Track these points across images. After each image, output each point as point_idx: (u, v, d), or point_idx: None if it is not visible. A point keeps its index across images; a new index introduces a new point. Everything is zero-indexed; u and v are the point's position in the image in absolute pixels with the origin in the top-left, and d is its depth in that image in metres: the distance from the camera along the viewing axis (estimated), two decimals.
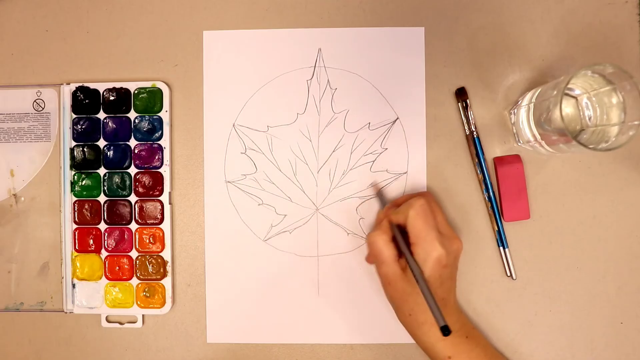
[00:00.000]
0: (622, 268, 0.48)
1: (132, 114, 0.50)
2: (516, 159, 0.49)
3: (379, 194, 0.48)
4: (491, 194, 0.48)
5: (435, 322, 0.38)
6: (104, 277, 0.50)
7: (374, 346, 0.49)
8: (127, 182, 0.50)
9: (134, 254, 0.50)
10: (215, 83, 0.50)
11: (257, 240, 0.50)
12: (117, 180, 0.50)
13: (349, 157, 0.50)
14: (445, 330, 0.37)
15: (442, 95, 0.49)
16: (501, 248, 0.49)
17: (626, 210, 0.48)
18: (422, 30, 0.49)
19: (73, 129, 0.50)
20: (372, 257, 0.44)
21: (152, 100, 0.50)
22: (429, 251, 0.41)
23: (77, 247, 0.50)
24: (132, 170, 0.50)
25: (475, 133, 0.49)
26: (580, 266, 0.49)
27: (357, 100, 0.50)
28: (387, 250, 0.43)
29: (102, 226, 0.50)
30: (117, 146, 0.50)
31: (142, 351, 0.50)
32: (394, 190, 0.49)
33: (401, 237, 0.43)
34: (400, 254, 0.43)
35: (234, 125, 0.50)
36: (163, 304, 0.50)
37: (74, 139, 0.50)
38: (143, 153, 0.50)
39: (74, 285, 0.50)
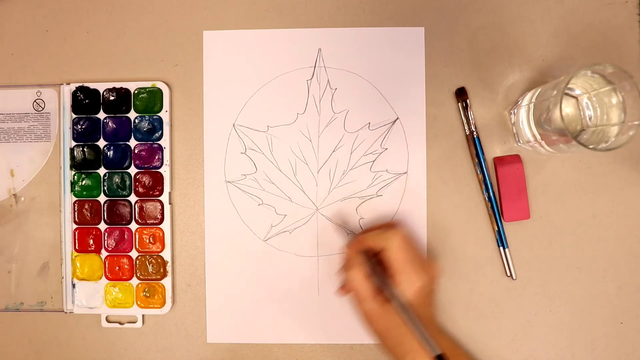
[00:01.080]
0: (622, 268, 0.48)
1: (132, 114, 0.50)
2: (516, 159, 0.49)
3: (342, 227, 0.48)
4: (491, 194, 0.48)
5: (424, 349, 0.38)
6: (104, 277, 0.50)
7: (374, 346, 0.49)
8: (127, 182, 0.50)
9: (134, 254, 0.50)
10: (215, 83, 0.50)
11: (257, 240, 0.50)
12: (117, 180, 0.50)
13: (349, 157, 0.50)
14: (441, 359, 0.37)
15: (442, 95, 0.49)
16: (501, 248, 0.49)
17: (626, 210, 0.48)
18: (422, 30, 0.49)
19: (73, 129, 0.50)
20: (351, 294, 0.44)
21: (152, 100, 0.50)
22: (413, 281, 0.41)
23: (77, 247, 0.50)
24: (132, 170, 0.50)
25: (475, 133, 0.49)
26: (580, 266, 0.49)
27: (357, 100, 0.50)
28: (363, 286, 0.42)
29: (102, 226, 0.50)
30: (117, 146, 0.50)
31: (142, 351, 0.50)
32: (395, 191, 0.49)
33: (379, 270, 0.43)
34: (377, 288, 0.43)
35: (234, 125, 0.50)
36: (163, 304, 0.50)
37: (74, 139, 0.50)
38: (143, 153, 0.50)
39: (74, 285, 0.50)
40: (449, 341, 0.46)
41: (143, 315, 0.50)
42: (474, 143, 0.48)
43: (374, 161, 0.49)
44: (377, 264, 0.43)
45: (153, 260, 0.50)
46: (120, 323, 0.50)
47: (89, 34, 0.51)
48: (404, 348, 0.42)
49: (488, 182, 0.48)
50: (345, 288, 0.46)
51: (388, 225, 0.47)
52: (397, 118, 0.49)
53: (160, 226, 0.50)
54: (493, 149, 0.49)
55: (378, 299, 0.42)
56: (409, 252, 0.42)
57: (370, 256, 0.44)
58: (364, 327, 0.44)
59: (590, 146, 0.38)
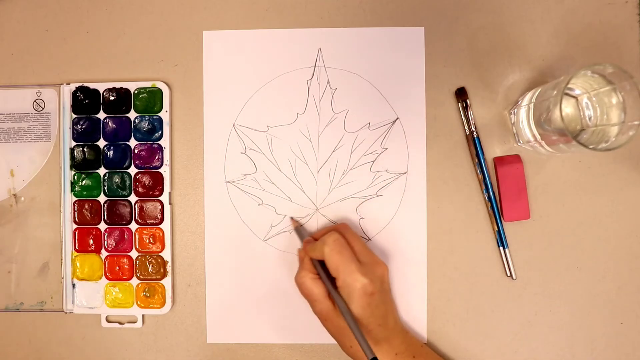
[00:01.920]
0: (622, 268, 0.48)
1: (132, 114, 0.50)
2: (516, 159, 0.49)
3: (297, 230, 0.48)
4: (491, 194, 0.48)
5: (364, 354, 0.39)
6: (104, 277, 0.50)
7: None
8: (127, 182, 0.50)
9: (134, 254, 0.50)
10: (215, 83, 0.50)
11: (257, 240, 0.50)
12: (117, 180, 0.50)
13: (349, 157, 0.50)
14: None
15: (442, 95, 0.49)
16: (501, 248, 0.49)
17: (626, 210, 0.48)
18: (422, 30, 0.49)
19: (73, 129, 0.50)
20: (305, 297, 0.45)
21: (152, 100, 0.50)
22: (351, 283, 0.41)
23: (77, 247, 0.50)
24: (132, 170, 0.50)
25: (475, 133, 0.49)
26: (580, 266, 0.49)
27: (357, 100, 0.50)
28: (315, 288, 0.43)
29: (102, 226, 0.50)
30: (117, 146, 0.50)
31: (142, 351, 0.50)
32: (395, 191, 0.49)
33: (324, 273, 0.44)
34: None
35: (234, 125, 0.50)
36: (163, 304, 0.50)
37: (74, 139, 0.50)
38: (143, 153, 0.50)
39: (74, 285, 0.50)
40: (413, 340, 0.46)
41: (143, 315, 0.50)
42: (474, 143, 0.48)
43: (374, 161, 0.49)
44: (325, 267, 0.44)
45: (153, 260, 0.50)
46: (120, 323, 0.50)
47: (89, 34, 0.51)
48: (358, 349, 0.43)
49: (488, 182, 0.48)
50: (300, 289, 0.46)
51: (331, 229, 0.46)
52: (397, 118, 0.49)
53: (160, 226, 0.50)
54: (493, 149, 0.49)
55: (329, 300, 0.43)
56: (342, 256, 0.42)
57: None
58: (323, 326, 0.45)
59: (590, 146, 0.38)
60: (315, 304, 0.44)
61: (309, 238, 0.47)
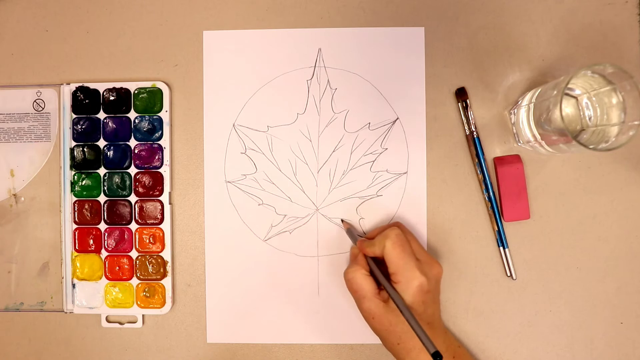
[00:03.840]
0: (622, 268, 0.48)
1: (132, 114, 0.50)
2: (516, 159, 0.49)
3: (349, 231, 0.48)
4: (491, 194, 0.48)
5: (425, 348, 0.38)
6: (104, 277, 0.50)
7: (374, 346, 0.49)
8: (127, 182, 0.50)
9: (134, 254, 0.50)
10: (215, 83, 0.50)
11: (257, 240, 0.50)
12: (117, 180, 0.50)
13: (349, 157, 0.50)
14: (437, 356, 0.37)
15: (442, 95, 0.49)
16: (501, 248, 0.49)
17: (626, 210, 0.48)
18: (422, 30, 0.49)
19: (73, 129, 0.50)
20: (352, 293, 0.44)
21: (152, 100, 0.50)
22: (410, 279, 0.41)
23: (77, 247, 0.50)
24: (132, 170, 0.50)
25: (475, 133, 0.49)
26: (580, 266, 0.49)
27: (357, 100, 0.50)
28: (366, 284, 0.43)
29: (102, 226, 0.50)
30: (117, 146, 0.50)
31: (142, 351, 0.50)
32: (395, 191, 0.49)
33: (378, 269, 0.43)
34: (379, 287, 0.43)
35: (234, 125, 0.50)
36: (163, 304, 0.50)
37: (74, 139, 0.50)
38: (143, 153, 0.50)
39: (74, 285, 0.50)
40: (452, 341, 0.46)
41: (143, 315, 0.50)
42: (474, 143, 0.48)
43: (374, 161, 0.49)
44: (379, 264, 0.44)
45: (153, 260, 0.50)
46: (120, 323, 0.50)
47: (89, 34, 0.51)
48: (405, 346, 0.42)
49: (488, 182, 0.48)
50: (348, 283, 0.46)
51: (389, 226, 0.47)
52: (397, 118, 0.49)
53: (160, 226, 0.50)
54: (493, 149, 0.49)
55: (379, 297, 0.43)
56: (403, 252, 0.42)
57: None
58: (367, 323, 0.44)
59: (590, 146, 0.38)
60: (364, 300, 0.43)
61: (363, 238, 0.47)
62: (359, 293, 0.43)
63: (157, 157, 0.50)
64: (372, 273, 0.44)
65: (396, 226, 0.45)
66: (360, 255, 0.45)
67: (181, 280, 0.50)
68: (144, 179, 0.50)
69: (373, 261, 0.44)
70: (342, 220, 0.49)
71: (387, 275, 0.43)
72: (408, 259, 0.42)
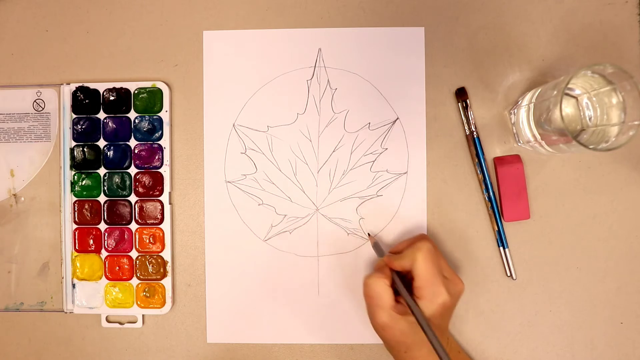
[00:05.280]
0: (622, 268, 0.48)
1: (132, 114, 0.50)
2: (516, 159, 0.49)
3: (376, 245, 0.48)
4: (491, 194, 0.48)
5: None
6: (104, 277, 0.50)
7: (374, 346, 0.49)
8: (127, 182, 0.50)
9: (134, 254, 0.50)
10: (215, 83, 0.50)
11: (257, 240, 0.50)
12: (117, 180, 0.50)
13: (349, 157, 0.50)
14: None
15: (442, 95, 0.49)
16: (501, 248, 0.49)
17: (626, 210, 0.48)
18: (422, 30, 0.49)
19: (73, 129, 0.50)
20: (368, 299, 0.43)
21: (152, 100, 0.50)
22: (435, 295, 0.41)
23: (77, 247, 0.50)
24: (132, 170, 0.50)
25: (475, 133, 0.49)
26: (580, 266, 0.49)
27: (357, 100, 0.50)
28: (385, 294, 0.42)
29: (102, 226, 0.50)
30: (117, 146, 0.50)
31: (142, 351, 0.50)
32: (395, 191, 0.49)
33: (401, 282, 0.43)
34: (396, 299, 0.43)
35: (234, 125, 0.50)
36: (163, 304, 0.50)
37: (74, 139, 0.50)
38: (143, 153, 0.50)
39: (74, 285, 0.50)
40: (454, 346, 0.47)
41: (143, 315, 0.50)
42: (474, 143, 0.48)
43: (374, 161, 0.49)
44: (403, 277, 0.43)
45: (153, 260, 0.50)
46: (120, 323, 0.50)
47: (89, 34, 0.51)
48: (412, 354, 0.42)
49: (488, 182, 0.48)
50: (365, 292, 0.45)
51: (416, 239, 0.46)
52: (397, 118, 0.49)
53: (160, 226, 0.50)
54: (493, 149, 0.49)
55: (395, 309, 0.42)
56: (433, 267, 0.42)
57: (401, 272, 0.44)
58: (376, 332, 0.43)
59: (590, 146, 0.38)
60: (379, 310, 0.42)
61: (392, 250, 0.46)
62: (375, 300, 0.42)
63: (157, 157, 0.50)
64: (393, 285, 0.43)
65: (426, 240, 0.44)
66: (386, 267, 0.44)
67: (181, 280, 0.50)
68: (144, 179, 0.50)
69: (398, 275, 0.43)
70: (369, 235, 0.49)
71: (409, 289, 0.42)
72: (437, 274, 0.42)
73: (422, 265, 0.42)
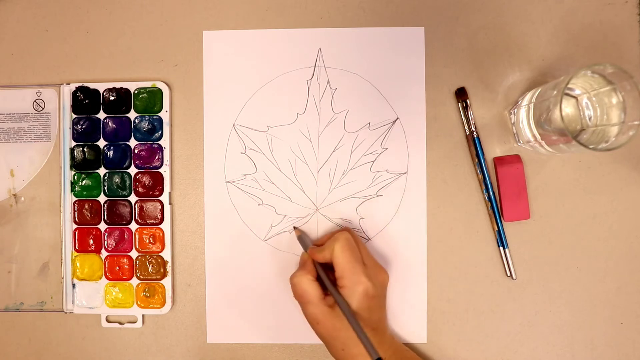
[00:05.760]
0: (622, 268, 0.48)
1: (132, 114, 0.50)
2: (516, 159, 0.49)
3: (301, 238, 0.48)
4: (491, 194, 0.48)
5: (368, 354, 0.39)
6: (104, 277, 0.50)
7: None
8: (127, 182, 0.50)
9: (134, 254, 0.50)
10: (215, 83, 0.50)
11: (257, 240, 0.50)
12: (117, 180, 0.50)
13: (349, 157, 0.50)
14: None
15: (442, 95, 0.49)
16: (501, 248, 0.49)
17: (626, 210, 0.48)
18: (422, 30, 0.49)
19: (73, 129, 0.50)
20: (297, 298, 0.44)
21: (152, 100, 0.50)
22: (355, 283, 0.42)
23: (77, 247, 0.50)
24: (132, 170, 0.50)
25: (475, 133, 0.49)
26: (580, 266, 0.49)
27: (357, 100, 0.50)
28: (311, 289, 0.43)
29: (102, 226, 0.50)
30: (117, 146, 0.50)
31: (142, 351, 0.50)
32: (395, 191, 0.49)
33: (325, 274, 0.43)
34: (325, 292, 0.43)
35: (234, 125, 0.50)
36: (163, 304, 0.50)
37: (74, 139, 0.50)
38: (143, 153, 0.50)
39: (74, 285, 0.50)
40: (399, 346, 0.46)
41: (143, 315, 0.50)
42: (474, 143, 0.48)
43: (374, 161, 0.49)
44: (327, 270, 0.44)
45: (153, 260, 0.50)
46: (120, 323, 0.50)
47: (89, 34, 0.51)
48: (350, 352, 0.42)
49: (488, 182, 0.48)
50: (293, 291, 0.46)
51: (336, 231, 0.47)
52: (397, 118, 0.49)
53: (160, 226, 0.50)
54: (493, 149, 0.49)
55: (324, 302, 0.43)
56: (351, 255, 0.42)
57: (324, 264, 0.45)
58: (313, 329, 0.44)
59: (590, 146, 0.38)
60: (309, 305, 0.43)
61: (313, 245, 0.47)
62: (304, 298, 0.43)
63: (157, 157, 0.50)
64: (318, 279, 0.44)
65: (345, 230, 0.45)
66: (309, 261, 0.45)
67: (181, 280, 0.50)
68: (144, 179, 0.50)
69: (322, 268, 0.44)
70: (294, 228, 0.49)
71: (334, 281, 0.43)
72: (355, 263, 0.42)
73: (340, 255, 0.42)
